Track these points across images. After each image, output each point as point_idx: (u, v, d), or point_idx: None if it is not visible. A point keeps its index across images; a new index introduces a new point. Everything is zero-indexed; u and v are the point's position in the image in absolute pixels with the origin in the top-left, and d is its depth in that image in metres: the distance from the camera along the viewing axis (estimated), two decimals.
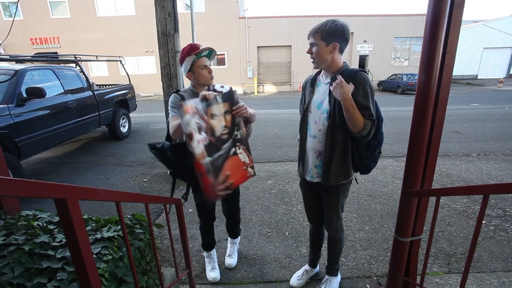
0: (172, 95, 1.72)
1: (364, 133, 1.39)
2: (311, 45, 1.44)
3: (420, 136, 1.33)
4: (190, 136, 1.37)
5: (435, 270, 2.06)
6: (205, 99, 1.42)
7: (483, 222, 2.67)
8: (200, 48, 1.62)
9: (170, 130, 1.64)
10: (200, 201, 1.93)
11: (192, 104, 1.40)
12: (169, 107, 1.70)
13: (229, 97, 1.54)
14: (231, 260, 2.17)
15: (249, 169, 1.63)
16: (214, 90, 1.76)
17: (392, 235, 1.59)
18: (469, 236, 2.46)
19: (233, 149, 1.55)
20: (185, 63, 1.65)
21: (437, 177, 3.76)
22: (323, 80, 1.54)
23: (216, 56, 1.75)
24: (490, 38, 23.10)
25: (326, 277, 1.90)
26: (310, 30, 1.43)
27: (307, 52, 1.47)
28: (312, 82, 1.60)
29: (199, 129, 1.40)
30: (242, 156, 1.60)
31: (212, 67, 1.73)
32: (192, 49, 1.62)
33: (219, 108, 1.49)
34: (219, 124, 1.49)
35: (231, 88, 1.64)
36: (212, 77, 1.69)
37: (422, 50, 1.27)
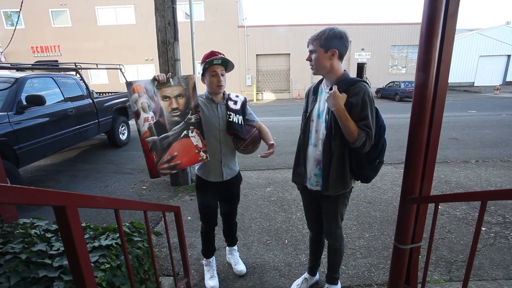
0: None
1: (358, 145, 1.37)
2: (311, 52, 1.46)
3: (419, 136, 1.34)
4: (136, 114, 1.46)
5: (436, 278, 2.04)
6: (155, 80, 1.51)
7: (483, 229, 2.66)
8: (217, 56, 1.70)
9: None
10: (202, 203, 1.96)
11: (142, 84, 1.48)
12: None
13: (183, 81, 1.59)
14: (241, 267, 2.16)
15: (201, 153, 1.67)
16: (229, 99, 1.82)
17: (392, 243, 1.59)
18: (469, 243, 2.45)
19: (185, 132, 1.61)
20: (201, 67, 1.75)
21: (436, 184, 3.77)
22: (325, 88, 1.55)
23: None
24: (486, 46, 23.45)
25: (326, 285, 1.88)
26: (309, 37, 1.45)
27: (307, 59, 1.49)
28: (314, 91, 1.61)
29: (147, 108, 1.49)
30: (195, 139, 1.65)
31: None
32: (209, 55, 1.71)
33: (171, 91, 1.56)
34: (170, 106, 1.56)
35: (188, 75, 1.67)
36: (220, 86, 1.73)
37: (419, 53, 1.29)
